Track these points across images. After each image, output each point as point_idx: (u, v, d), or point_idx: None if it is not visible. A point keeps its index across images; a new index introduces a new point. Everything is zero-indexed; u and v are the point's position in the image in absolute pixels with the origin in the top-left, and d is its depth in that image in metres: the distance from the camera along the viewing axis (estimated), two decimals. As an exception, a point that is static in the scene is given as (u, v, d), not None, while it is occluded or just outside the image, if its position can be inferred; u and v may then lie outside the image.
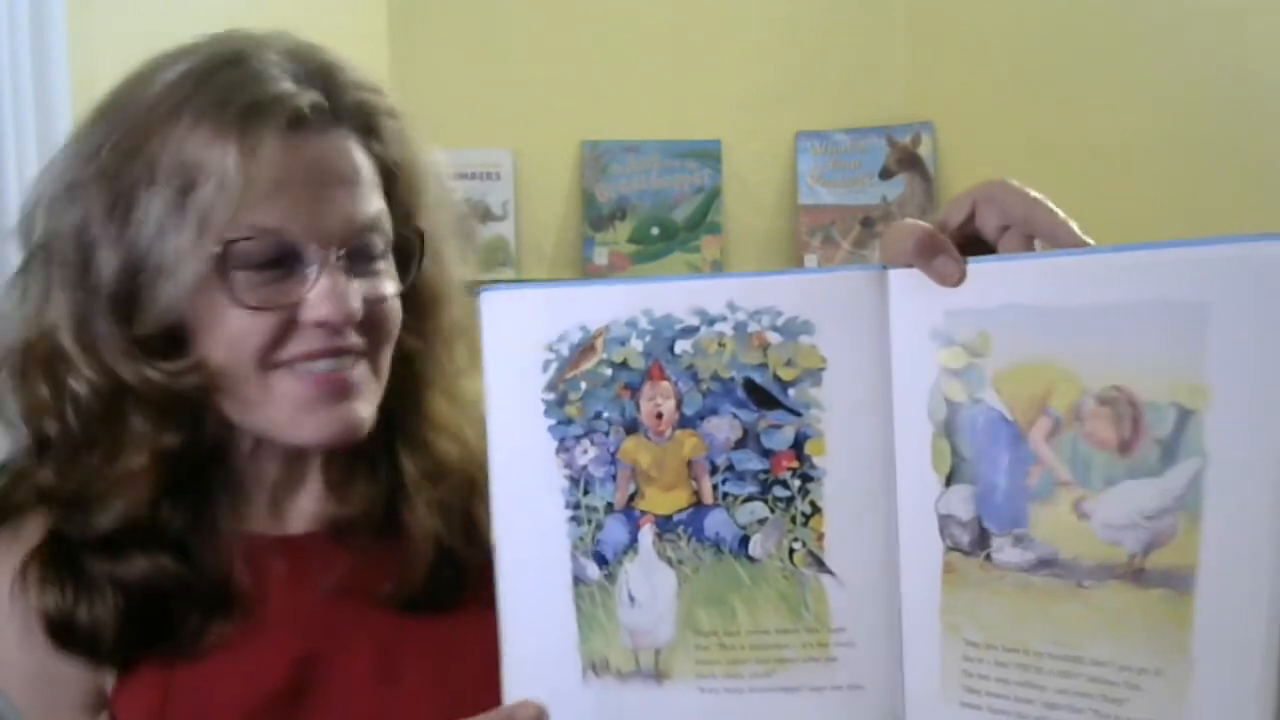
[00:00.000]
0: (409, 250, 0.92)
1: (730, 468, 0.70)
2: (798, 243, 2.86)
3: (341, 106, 0.88)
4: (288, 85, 0.86)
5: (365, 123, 0.90)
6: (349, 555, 0.92)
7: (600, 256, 2.87)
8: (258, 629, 0.88)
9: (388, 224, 0.90)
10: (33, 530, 0.87)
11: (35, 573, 0.85)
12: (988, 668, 0.66)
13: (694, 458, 0.71)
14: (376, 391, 0.90)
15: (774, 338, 0.69)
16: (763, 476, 0.70)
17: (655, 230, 2.88)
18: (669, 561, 0.71)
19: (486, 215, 2.86)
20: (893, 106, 2.86)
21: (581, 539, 0.72)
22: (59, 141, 0.94)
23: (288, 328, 0.86)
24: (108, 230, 0.85)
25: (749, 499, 0.70)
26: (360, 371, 0.88)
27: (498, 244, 2.86)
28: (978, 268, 0.66)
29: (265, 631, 0.88)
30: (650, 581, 0.71)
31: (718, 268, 2.83)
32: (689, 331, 0.70)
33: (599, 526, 0.72)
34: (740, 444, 0.70)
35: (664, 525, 0.71)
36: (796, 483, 0.70)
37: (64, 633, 0.85)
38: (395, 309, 0.91)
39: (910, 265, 0.67)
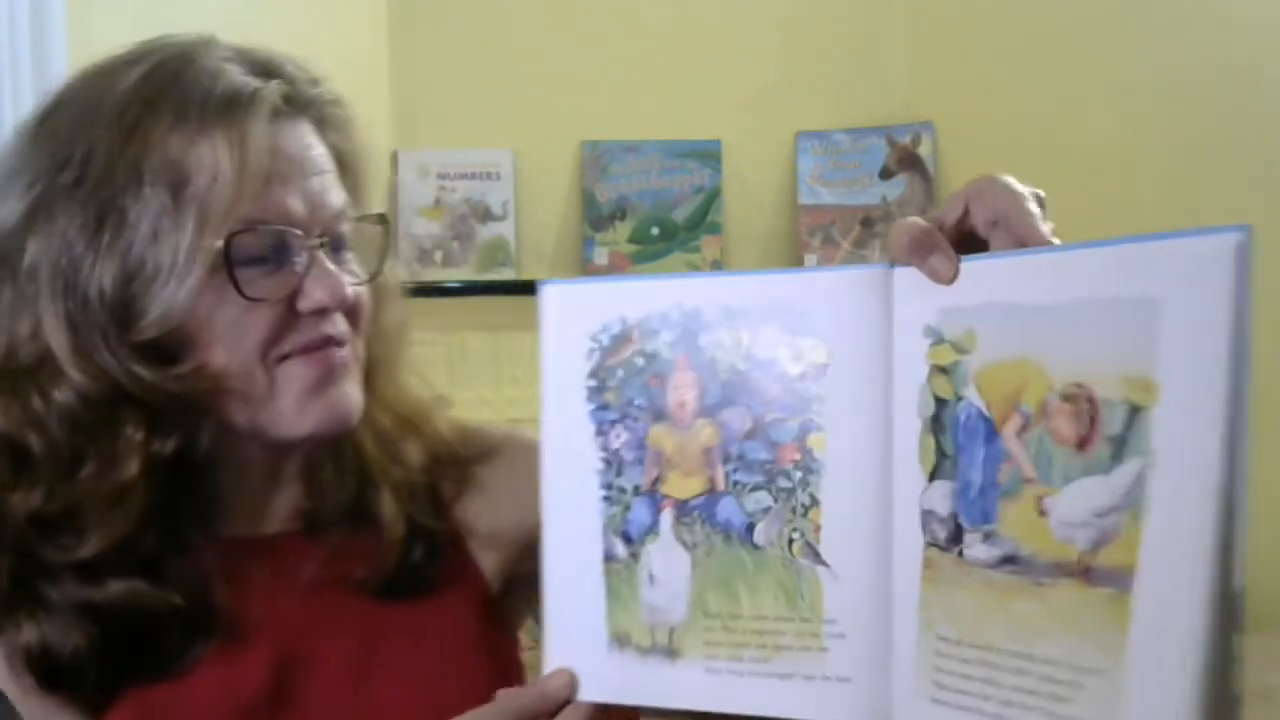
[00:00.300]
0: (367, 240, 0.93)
1: (741, 457, 0.73)
2: (798, 243, 2.86)
3: (300, 98, 0.89)
4: (252, 79, 0.86)
5: (320, 113, 0.90)
6: (324, 549, 0.92)
7: (600, 256, 2.87)
8: (238, 636, 0.87)
9: (351, 213, 0.90)
10: None
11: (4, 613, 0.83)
12: (955, 664, 0.66)
13: (710, 445, 0.74)
14: (360, 376, 0.91)
15: (785, 333, 0.72)
16: (769, 466, 0.72)
17: (655, 230, 2.88)
18: (685, 544, 0.74)
19: (486, 215, 2.86)
20: (893, 106, 2.86)
21: (612, 518, 0.76)
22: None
23: (286, 320, 0.86)
24: (95, 243, 0.83)
25: (756, 488, 0.73)
26: (348, 353, 0.89)
27: (498, 244, 2.86)
28: (969, 265, 0.67)
29: (246, 638, 0.88)
30: (668, 562, 0.75)
31: (718, 268, 2.83)
32: (713, 325, 0.74)
33: (627, 507, 0.76)
34: (751, 434, 0.73)
35: (682, 509, 0.74)
36: (798, 474, 0.71)
37: (47, 670, 0.83)
38: (367, 298, 0.91)
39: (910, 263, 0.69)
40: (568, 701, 0.76)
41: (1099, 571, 0.61)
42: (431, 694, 0.89)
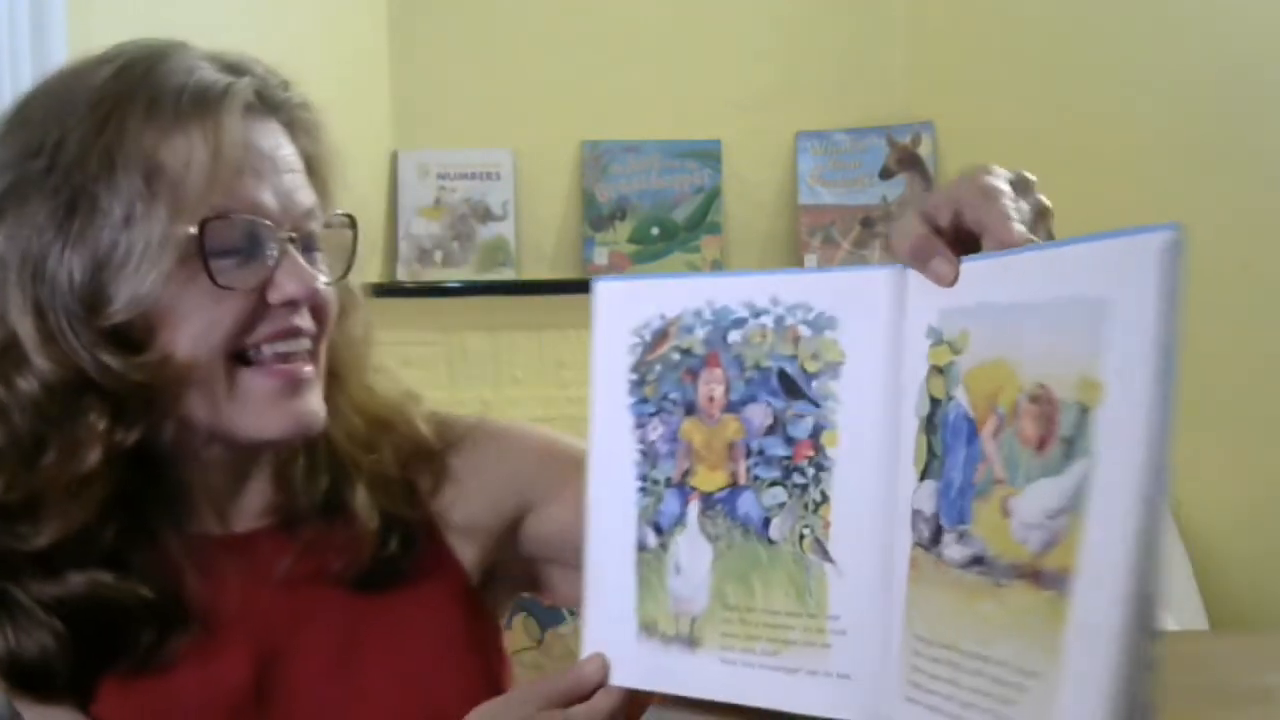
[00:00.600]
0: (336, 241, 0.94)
1: (761, 452, 0.74)
2: (798, 243, 2.86)
3: (271, 98, 0.90)
4: (225, 75, 0.87)
5: (290, 116, 0.91)
6: (299, 544, 0.92)
7: (600, 256, 2.87)
8: (217, 633, 0.88)
9: (320, 215, 0.91)
10: None
11: None
12: (927, 664, 0.66)
13: (735, 440, 0.75)
14: (321, 385, 0.91)
15: (805, 331, 0.73)
16: (785, 463, 0.73)
17: (655, 230, 2.88)
18: (709, 536, 0.76)
19: (486, 215, 2.87)
20: (893, 106, 2.87)
21: (646, 509, 0.78)
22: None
23: (255, 311, 0.86)
24: (65, 229, 0.83)
25: (773, 483, 0.74)
26: (311, 369, 0.89)
27: (498, 244, 2.86)
28: (968, 266, 0.67)
29: (225, 635, 0.88)
30: (693, 553, 0.76)
31: (717, 268, 2.83)
32: (740, 323, 0.75)
33: (659, 499, 0.78)
34: (770, 430, 0.74)
35: (707, 502, 0.76)
36: (811, 471, 0.72)
37: (19, 675, 0.83)
38: (334, 298, 0.92)
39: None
40: (600, 685, 0.78)
41: (1046, 574, 0.60)
42: (414, 684, 0.90)
